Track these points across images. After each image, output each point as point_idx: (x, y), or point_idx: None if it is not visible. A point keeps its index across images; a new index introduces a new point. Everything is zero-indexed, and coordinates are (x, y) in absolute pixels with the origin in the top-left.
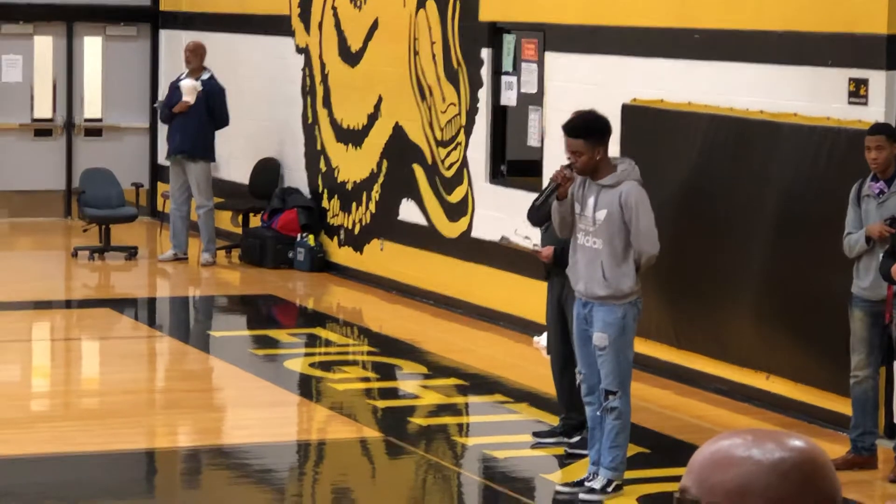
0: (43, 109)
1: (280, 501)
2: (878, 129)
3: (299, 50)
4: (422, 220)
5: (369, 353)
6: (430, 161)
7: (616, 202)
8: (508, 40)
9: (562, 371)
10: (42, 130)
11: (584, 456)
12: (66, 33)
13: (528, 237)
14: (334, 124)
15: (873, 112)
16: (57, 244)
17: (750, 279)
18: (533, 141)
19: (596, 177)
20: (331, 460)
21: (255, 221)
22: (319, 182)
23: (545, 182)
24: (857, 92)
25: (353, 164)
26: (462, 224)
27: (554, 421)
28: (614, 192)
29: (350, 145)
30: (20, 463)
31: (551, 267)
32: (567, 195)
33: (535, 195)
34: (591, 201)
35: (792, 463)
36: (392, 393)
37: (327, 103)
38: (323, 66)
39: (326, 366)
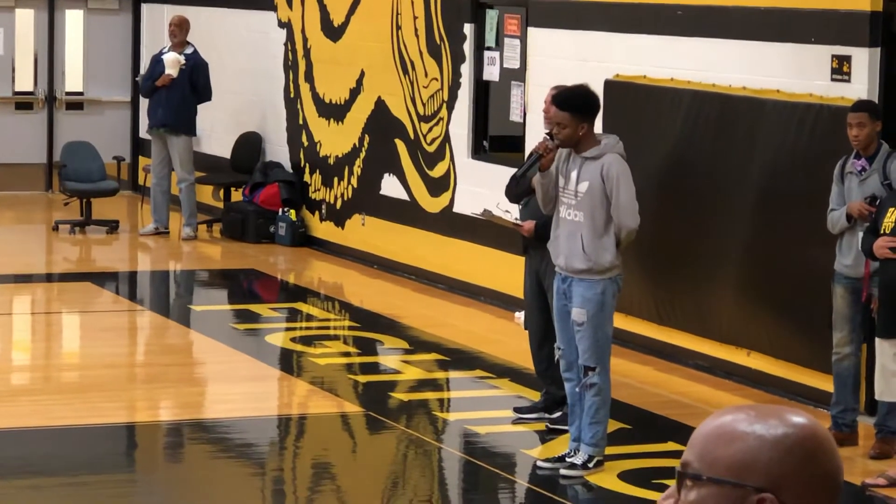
0: (24, 83)
1: (261, 476)
2: (860, 106)
3: (281, 24)
4: (403, 195)
5: (350, 328)
6: (412, 136)
7: (598, 174)
8: (491, 15)
9: (540, 345)
10: (23, 104)
11: (564, 431)
12: (47, 6)
13: (509, 211)
14: (316, 99)
15: (856, 89)
16: (38, 218)
17: (732, 255)
18: (515, 116)
19: (580, 150)
20: (311, 435)
21: (237, 196)
22: (301, 156)
23: (527, 157)
24: (841, 69)
25: (335, 139)
26: (444, 199)
27: (534, 396)
28: (597, 164)
29: (332, 120)
30: (0, 436)
31: (530, 241)
32: (549, 166)
33: (514, 172)
34: (574, 174)
35: (795, 439)
36: (373, 368)
37: (309, 78)
38: (305, 40)
39: (307, 340)
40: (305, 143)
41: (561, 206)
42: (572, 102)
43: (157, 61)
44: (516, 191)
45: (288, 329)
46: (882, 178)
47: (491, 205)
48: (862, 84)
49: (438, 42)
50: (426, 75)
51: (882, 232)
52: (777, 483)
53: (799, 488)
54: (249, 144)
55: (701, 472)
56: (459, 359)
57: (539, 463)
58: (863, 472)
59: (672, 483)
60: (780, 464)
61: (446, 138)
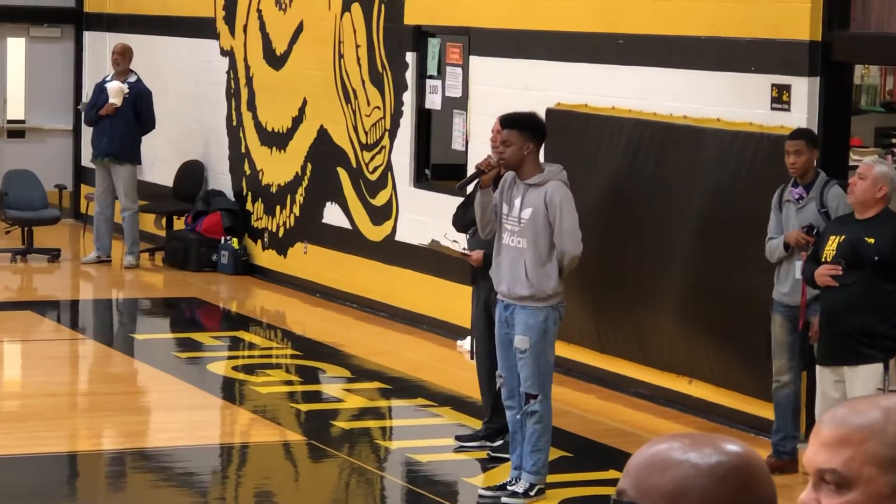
0: None
1: None
2: (797, 133)
3: (224, 52)
4: (346, 224)
5: (293, 357)
6: (354, 164)
7: (541, 201)
8: (433, 44)
9: (488, 375)
10: None
11: (506, 460)
12: None
13: (457, 241)
14: (259, 127)
15: (796, 118)
16: None
17: (673, 284)
18: (457, 145)
19: (523, 176)
20: (254, 464)
21: (179, 224)
22: (244, 185)
23: (469, 187)
24: (780, 98)
25: (278, 167)
26: (386, 227)
27: (477, 425)
28: (540, 190)
29: (274, 148)
30: None
31: (478, 271)
32: (490, 184)
33: (459, 199)
34: (517, 201)
35: (729, 467)
36: (315, 396)
37: (252, 106)
38: (248, 68)
39: (250, 369)
40: (248, 172)
41: (504, 233)
42: (519, 121)
43: (100, 90)
44: (463, 220)
45: (230, 357)
46: (819, 206)
47: (435, 233)
48: (801, 113)
49: (381, 70)
50: (368, 104)
51: (823, 260)
52: None
53: None
54: (192, 173)
55: (636, 500)
56: (402, 387)
57: (481, 491)
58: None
59: None
60: (715, 492)
61: (388, 167)
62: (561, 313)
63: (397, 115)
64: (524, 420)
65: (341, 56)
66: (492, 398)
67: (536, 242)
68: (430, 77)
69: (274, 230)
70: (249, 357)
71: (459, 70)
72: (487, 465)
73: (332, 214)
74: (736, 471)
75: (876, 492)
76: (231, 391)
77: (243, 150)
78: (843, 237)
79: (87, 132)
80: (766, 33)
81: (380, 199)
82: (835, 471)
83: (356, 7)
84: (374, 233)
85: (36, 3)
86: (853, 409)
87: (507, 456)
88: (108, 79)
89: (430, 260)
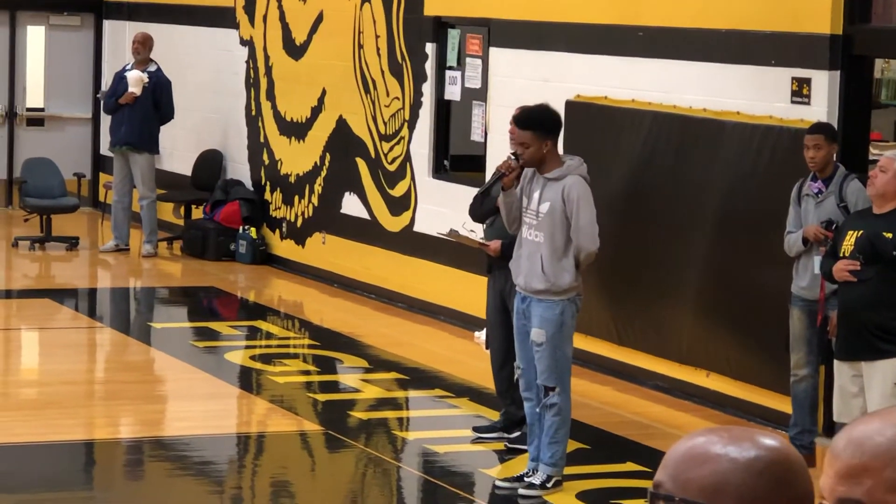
0: None
1: (219, 494)
2: (817, 128)
3: (243, 42)
4: (364, 214)
5: (310, 347)
6: (373, 155)
7: (559, 195)
8: (453, 35)
9: (501, 365)
10: None
11: (523, 451)
12: (8, 22)
13: (474, 231)
14: (278, 117)
15: (816, 111)
16: None
17: (691, 277)
18: (476, 136)
19: (543, 170)
20: (270, 453)
21: (198, 213)
22: (262, 174)
23: (488, 177)
24: (800, 91)
25: (297, 157)
26: (405, 218)
27: (494, 416)
28: (558, 185)
29: (293, 138)
30: None
31: (494, 260)
32: (511, 185)
33: (477, 190)
34: (536, 195)
35: (767, 461)
36: (332, 386)
37: (271, 96)
38: (267, 58)
39: (267, 358)
40: (266, 161)
41: (523, 226)
42: (533, 120)
43: (120, 78)
44: (481, 210)
45: (248, 347)
46: (838, 200)
47: (453, 223)
48: (821, 107)
49: (400, 61)
50: (388, 94)
51: (841, 255)
52: None
53: None
54: (210, 162)
55: (673, 493)
56: (419, 378)
57: (497, 482)
58: (821, 494)
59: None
60: (752, 487)
61: (407, 157)
62: (578, 306)
63: (416, 105)
64: (543, 412)
65: (361, 46)
66: (504, 388)
67: (553, 237)
68: (450, 68)
69: (292, 220)
70: (267, 347)
71: (479, 61)
72: (505, 456)
73: (351, 205)
74: (773, 466)
75: None
76: (248, 381)
77: (262, 140)
78: (861, 232)
79: (106, 121)
80: (786, 26)
81: (398, 190)
82: (859, 502)
83: None
84: (393, 223)
85: None
86: (867, 433)
87: (524, 447)
88: (127, 67)
89: (448, 251)
